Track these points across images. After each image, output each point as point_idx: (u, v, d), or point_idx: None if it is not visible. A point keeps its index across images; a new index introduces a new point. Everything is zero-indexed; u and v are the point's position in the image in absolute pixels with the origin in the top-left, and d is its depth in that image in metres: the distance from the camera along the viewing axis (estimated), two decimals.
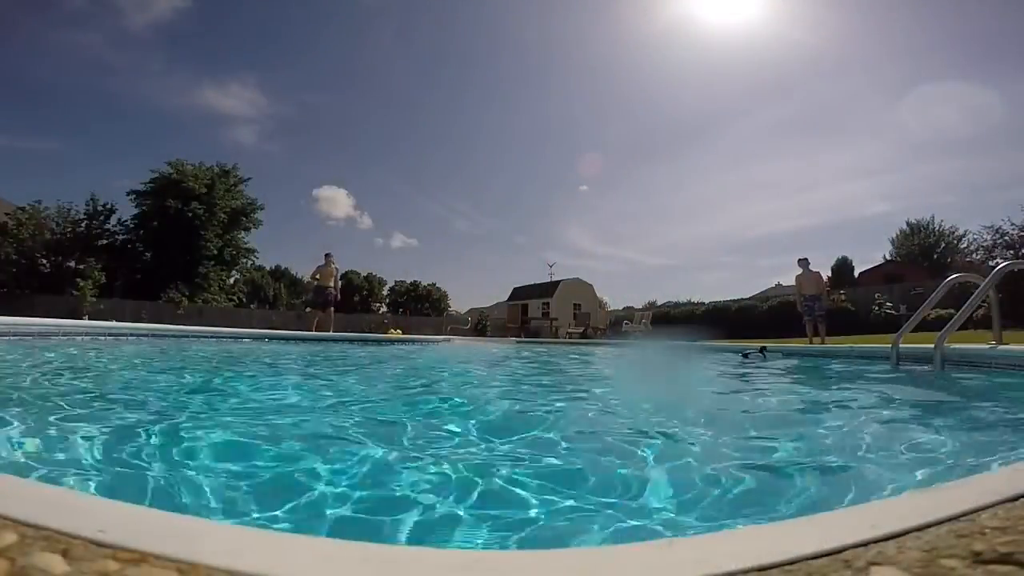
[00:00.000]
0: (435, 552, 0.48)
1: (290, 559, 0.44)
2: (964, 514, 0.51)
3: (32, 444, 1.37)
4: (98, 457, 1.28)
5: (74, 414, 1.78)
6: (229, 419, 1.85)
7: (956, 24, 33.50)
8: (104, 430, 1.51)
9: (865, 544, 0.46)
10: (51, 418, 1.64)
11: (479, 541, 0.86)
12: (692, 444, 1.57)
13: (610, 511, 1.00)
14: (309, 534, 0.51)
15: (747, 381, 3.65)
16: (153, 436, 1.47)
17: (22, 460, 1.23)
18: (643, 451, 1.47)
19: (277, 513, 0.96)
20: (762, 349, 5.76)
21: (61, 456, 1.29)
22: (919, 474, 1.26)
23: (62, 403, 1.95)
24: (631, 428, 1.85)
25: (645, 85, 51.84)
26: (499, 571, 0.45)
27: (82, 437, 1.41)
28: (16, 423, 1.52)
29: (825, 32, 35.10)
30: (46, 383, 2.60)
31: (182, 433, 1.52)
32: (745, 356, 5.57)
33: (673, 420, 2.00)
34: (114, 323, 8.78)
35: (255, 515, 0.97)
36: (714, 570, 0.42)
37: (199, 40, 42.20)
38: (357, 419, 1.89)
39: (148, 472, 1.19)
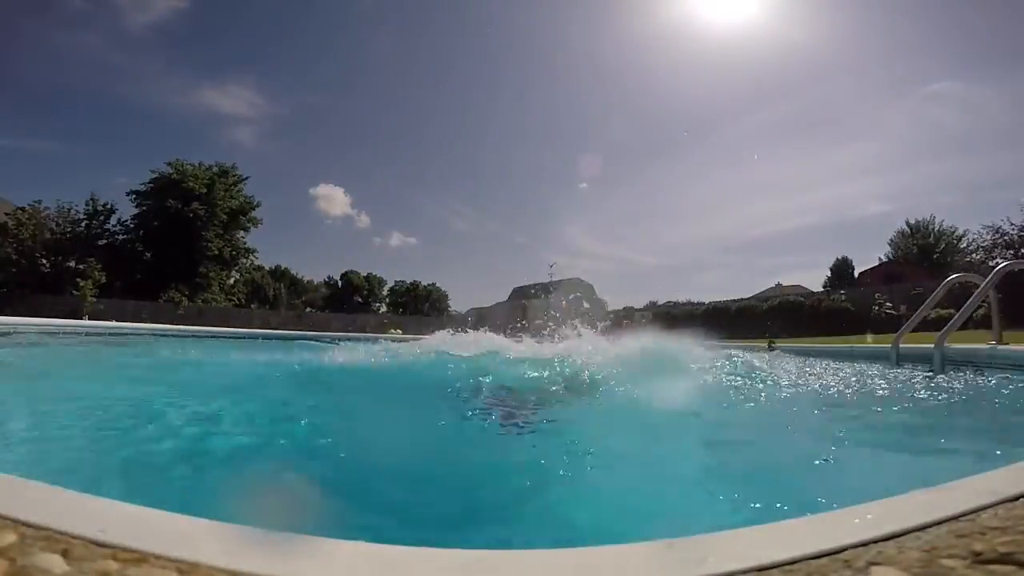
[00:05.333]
0: (435, 552, 0.48)
1: (290, 559, 0.44)
2: (964, 514, 0.51)
3: None
4: None
5: None
6: None
7: (956, 23, 33.51)
8: None
9: (865, 544, 0.46)
10: None
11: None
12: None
13: None
14: (308, 534, 0.51)
15: (737, 382, 3.64)
16: None
17: None
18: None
19: None
20: (769, 344, 5.81)
21: None
22: (918, 475, 1.26)
23: None
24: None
25: (646, 84, 51.78)
26: (499, 570, 0.45)
27: None
28: None
29: (825, 32, 35.08)
30: None
31: None
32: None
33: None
34: (114, 323, 8.78)
35: None
36: (714, 570, 0.42)
37: (198, 41, 42.18)
38: None
39: None
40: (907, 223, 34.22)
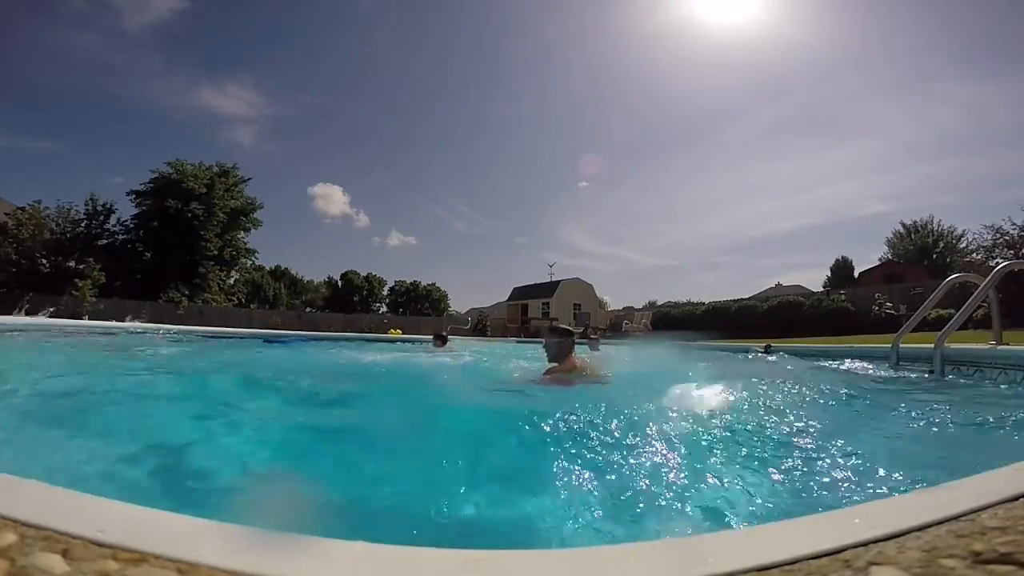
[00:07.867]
0: (433, 552, 0.48)
1: (289, 559, 0.44)
2: (964, 514, 0.51)
3: None
4: None
5: None
6: None
7: (955, 24, 33.50)
8: None
9: (865, 544, 0.46)
10: None
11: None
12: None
13: None
14: (307, 534, 0.52)
15: (737, 381, 3.63)
16: None
17: None
18: None
19: None
20: (767, 348, 5.78)
21: None
22: (917, 475, 1.26)
23: None
24: None
25: (646, 84, 51.89)
26: (497, 571, 0.45)
27: None
28: None
29: (825, 32, 35.10)
30: None
31: None
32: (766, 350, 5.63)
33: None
34: (114, 323, 8.78)
35: None
36: (714, 570, 0.42)
37: (197, 41, 42.29)
38: None
39: None
40: (903, 224, 34.26)
